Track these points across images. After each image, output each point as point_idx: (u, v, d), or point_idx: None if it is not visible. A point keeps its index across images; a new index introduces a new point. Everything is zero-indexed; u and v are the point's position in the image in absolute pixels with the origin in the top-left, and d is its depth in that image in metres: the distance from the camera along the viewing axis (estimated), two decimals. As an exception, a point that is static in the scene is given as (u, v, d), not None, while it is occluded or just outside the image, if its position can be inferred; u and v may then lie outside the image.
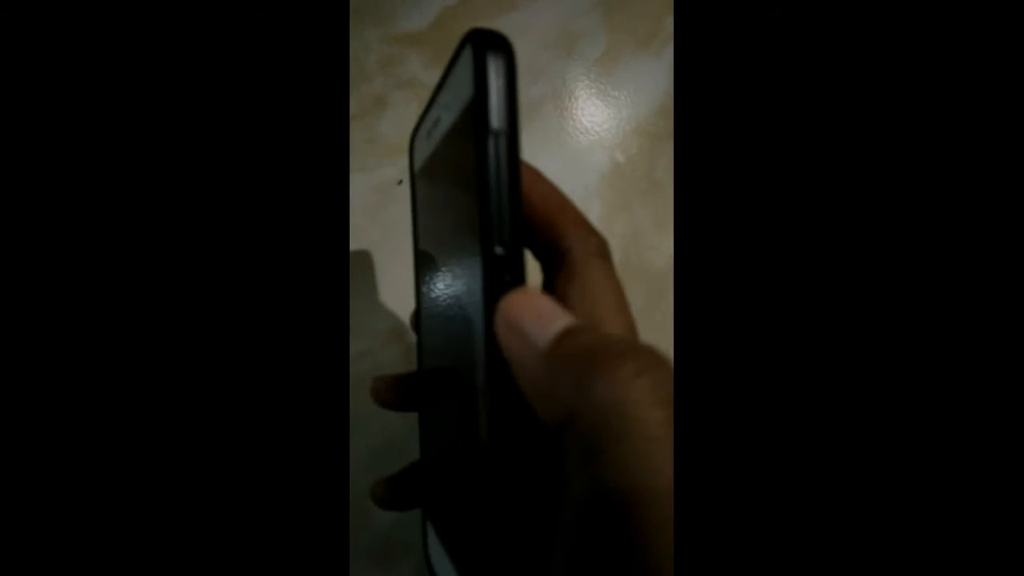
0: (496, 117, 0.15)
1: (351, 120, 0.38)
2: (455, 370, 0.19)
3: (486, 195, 0.15)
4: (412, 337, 0.36)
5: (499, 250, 0.15)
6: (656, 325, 0.36)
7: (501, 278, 0.15)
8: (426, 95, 0.39)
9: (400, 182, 0.38)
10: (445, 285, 0.19)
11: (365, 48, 0.39)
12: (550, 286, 0.18)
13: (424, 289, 0.23)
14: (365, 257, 0.37)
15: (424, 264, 0.23)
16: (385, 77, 0.39)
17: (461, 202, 0.17)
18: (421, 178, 0.23)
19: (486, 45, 0.15)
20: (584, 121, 0.39)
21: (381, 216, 0.37)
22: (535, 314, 0.14)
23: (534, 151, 0.39)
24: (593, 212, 0.37)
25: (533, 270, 0.17)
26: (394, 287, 0.37)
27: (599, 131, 0.39)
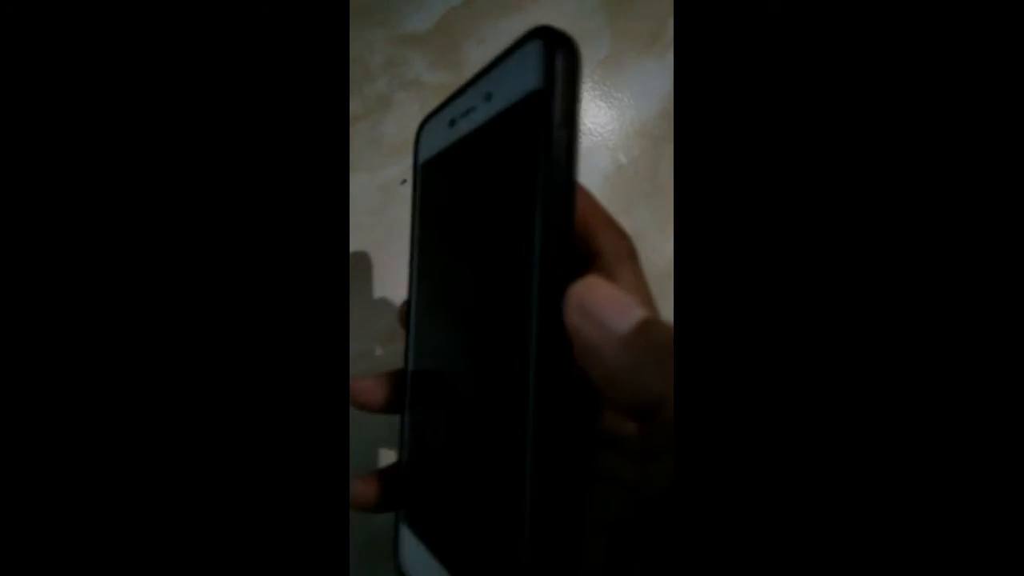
0: (566, 110, 0.15)
1: (355, 121, 0.38)
2: (471, 367, 0.18)
3: (551, 186, 0.15)
4: (414, 337, 0.36)
5: (561, 240, 0.15)
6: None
7: (563, 268, 0.15)
8: (430, 95, 0.39)
9: (404, 181, 0.38)
10: (463, 279, 0.19)
11: (369, 48, 0.39)
12: None
13: (427, 284, 0.22)
14: (368, 257, 0.37)
15: (430, 257, 0.22)
16: (389, 78, 0.39)
17: (504, 192, 0.17)
18: (432, 168, 0.23)
19: (558, 40, 0.15)
20: (587, 123, 0.40)
21: (385, 216, 0.37)
22: (613, 301, 0.15)
23: (537, 152, 0.38)
24: (595, 213, 0.37)
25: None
26: (397, 287, 0.37)
27: (602, 133, 0.40)
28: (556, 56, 0.15)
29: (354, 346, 0.36)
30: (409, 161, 0.38)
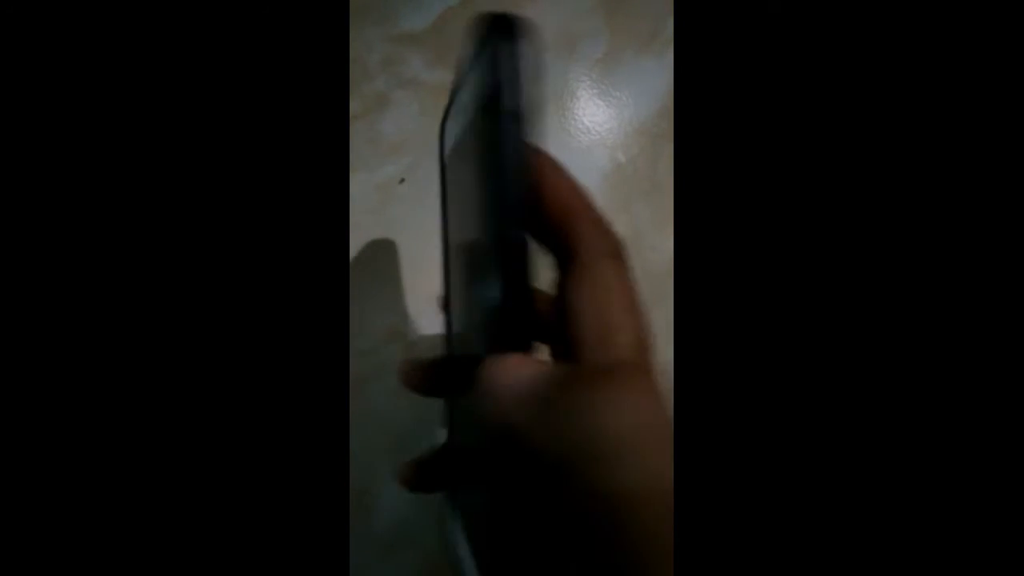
0: (506, 98, 0.15)
1: (353, 120, 0.38)
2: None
3: (493, 178, 0.15)
4: (413, 335, 0.36)
5: (504, 236, 0.15)
6: (658, 325, 0.36)
7: (510, 263, 0.15)
8: (428, 95, 0.39)
9: (402, 181, 0.38)
10: (470, 271, 0.19)
11: (367, 47, 0.39)
12: (560, 285, 0.18)
13: (453, 272, 0.23)
14: (366, 256, 0.37)
15: (453, 247, 0.23)
16: (387, 77, 0.39)
17: (473, 190, 0.16)
18: (451, 160, 0.23)
19: (500, 25, 0.15)
20: (585, 121, 0.40)
21: (383, 215, 0.37)
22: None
23: (535, 151, 0.38)
24: (594, 212, 0.37)
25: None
26: (396, 286, 0.37)
27: (600, 131, 0.39)
28: (497, 40, 0.15)
29: (354, 345, 0.36)
30: (407, 160, 0.38)
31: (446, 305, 0.24)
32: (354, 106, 0.38)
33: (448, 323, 0.24)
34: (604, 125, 0.40)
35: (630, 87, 0.40)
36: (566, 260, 0.17)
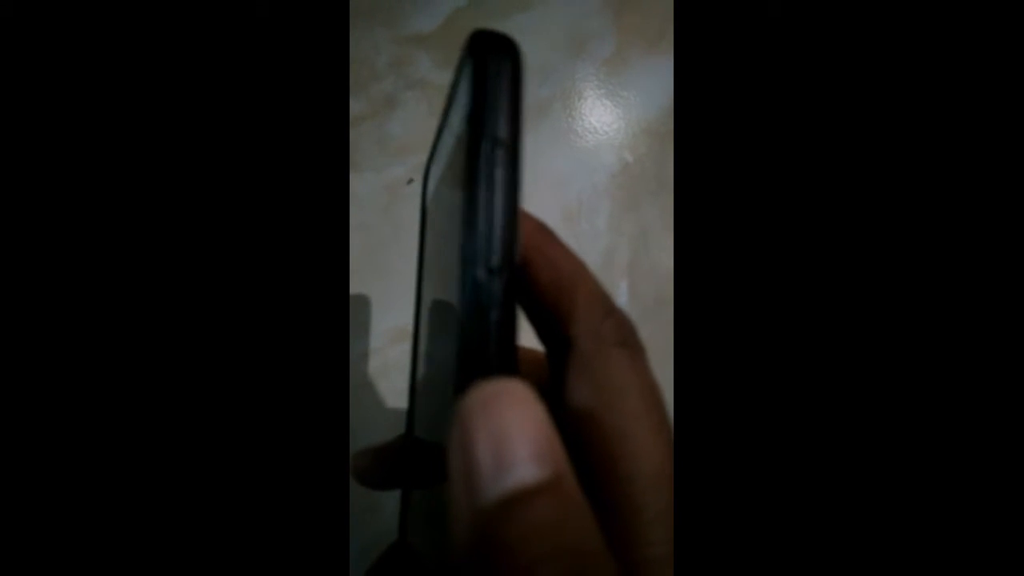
0: (490, 125, 0.12)
1: (361, 120, 0.38)
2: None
3: (472, 212, 0.12)
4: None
5: (482, 281, 0.11)
6: (664, 325, 0.36)
7: (482, 328, 0.11)
8: (436, 95, 0.39)
9: (410, 181, 0.38)
10: (440, 331, 0.15)
11: (375, 48, 0.39)
12: (554, 384, 0.14)
13: (421, 331, 0.19)
14: (374, 256, 0.37)
15: (425, 300, 0.19)
16: (395, 77, 0.39)
17: (451, 232, 0.14)
18: (432, 203, 0.20)
19: (486, 47, 0.13)
20: (593, 121, 0.40)
21: (391, 215, 0.38)
22: (498, 435, 0.09)
23: (543, 151, 0.39)
24: (602, 212, 0.37)
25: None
26: (404, 286, 0.37)
27: (608, 131, 0.39)
28: (485, 65, 0.12)
29: (360, 345, 0.36)
30: (415, 160, 0.38)
31: (413, 372, 0.20)
32: (362, 107, 0.39)
33: (412, 393, 0.19)
34: (611, 125, 0.40)
35: (637, 87, 0.40)
36: (561, 350, 0.14)
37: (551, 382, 0.14)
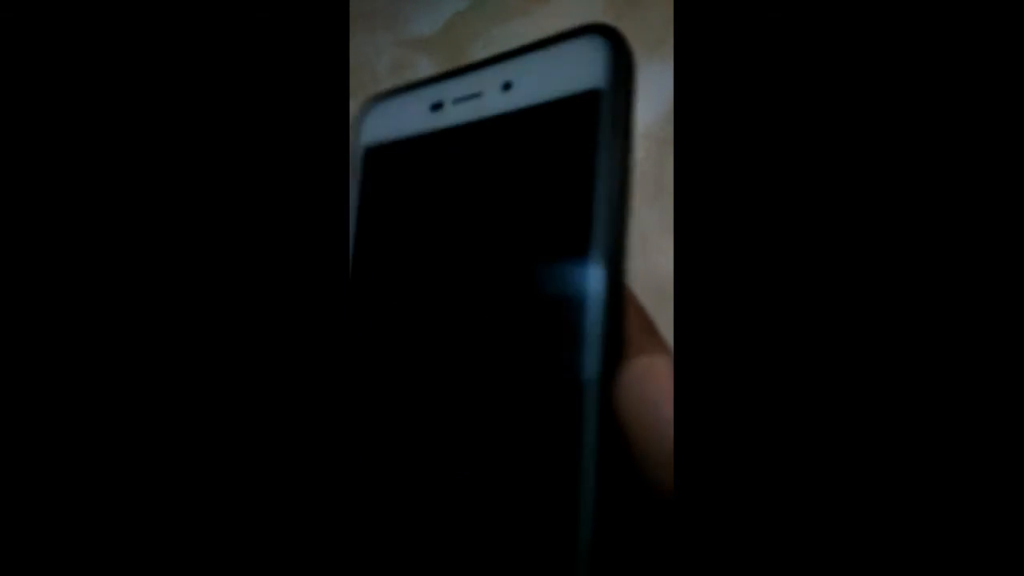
0: (626, 117, 0.13)
1: (362, 123, 0.39)
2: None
3: (605, 206, 0.13)
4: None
5: (618, 276, 0.13)
6: (663, 329, 0.36)
7: (614, 307, 0.13)
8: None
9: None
10: (443, 311, 0.15)
11: (376, 52, 0.40)
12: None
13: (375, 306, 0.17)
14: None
15: (377, 267, 0.18)
16: (396, 80, 0.39)
17: (532, 205, 0.14)
18: (393, 154, 0.19)
19: (620, 38, 0.13)
20: (592, 125, 0.40)
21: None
22: (666, 392, 0.13)
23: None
24: (601, 216, 0.37)
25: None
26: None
27: (607, 135, 0.40)
28: (620, 54, 0.13)
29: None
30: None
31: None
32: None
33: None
34: (611, 129, 0.40)
35: (637, 92, 0.40)
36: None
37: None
